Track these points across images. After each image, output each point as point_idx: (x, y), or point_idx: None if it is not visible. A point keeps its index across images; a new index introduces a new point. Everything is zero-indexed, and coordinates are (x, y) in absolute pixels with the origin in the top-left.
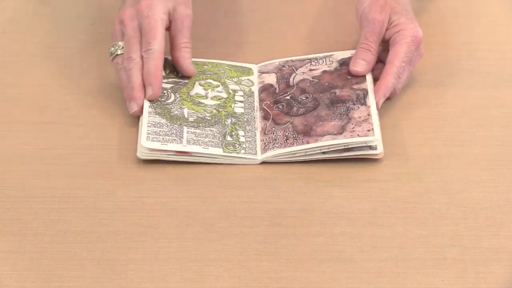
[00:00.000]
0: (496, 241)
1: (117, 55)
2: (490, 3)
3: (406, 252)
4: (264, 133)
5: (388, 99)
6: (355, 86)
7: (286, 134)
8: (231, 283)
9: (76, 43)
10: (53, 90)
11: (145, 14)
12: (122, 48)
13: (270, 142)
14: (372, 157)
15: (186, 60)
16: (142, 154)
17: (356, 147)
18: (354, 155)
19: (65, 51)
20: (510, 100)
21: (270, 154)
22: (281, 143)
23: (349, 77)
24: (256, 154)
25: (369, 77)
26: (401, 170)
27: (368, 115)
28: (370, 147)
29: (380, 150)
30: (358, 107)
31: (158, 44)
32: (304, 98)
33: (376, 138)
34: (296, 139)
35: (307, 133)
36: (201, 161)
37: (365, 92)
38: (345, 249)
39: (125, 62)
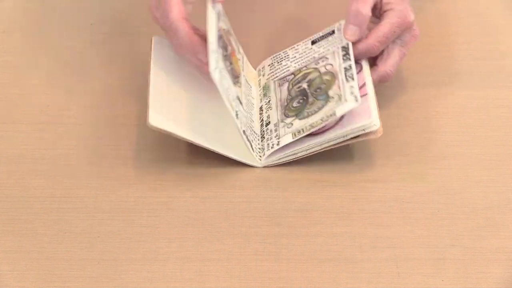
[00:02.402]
0: (496, 241)
1: None
2: (490, 3)
3: (406, 252)
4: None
5: (382, 82)
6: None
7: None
8: (231, 283)
9: (76, 43)
10: (53, 90)
11: None
12: None
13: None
14: (370, 137)
15: None
16: (153, 121)
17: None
18: (353, 137)
19: (65, 51)
20: (510, 100)
21: (273, 158)
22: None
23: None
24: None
25: (365, 63)
26: (401, 170)
27: (365, 97)
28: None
29: (377, 126)
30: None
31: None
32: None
33: (374, 122)
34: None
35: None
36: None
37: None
38: (345, 249)
39: None
